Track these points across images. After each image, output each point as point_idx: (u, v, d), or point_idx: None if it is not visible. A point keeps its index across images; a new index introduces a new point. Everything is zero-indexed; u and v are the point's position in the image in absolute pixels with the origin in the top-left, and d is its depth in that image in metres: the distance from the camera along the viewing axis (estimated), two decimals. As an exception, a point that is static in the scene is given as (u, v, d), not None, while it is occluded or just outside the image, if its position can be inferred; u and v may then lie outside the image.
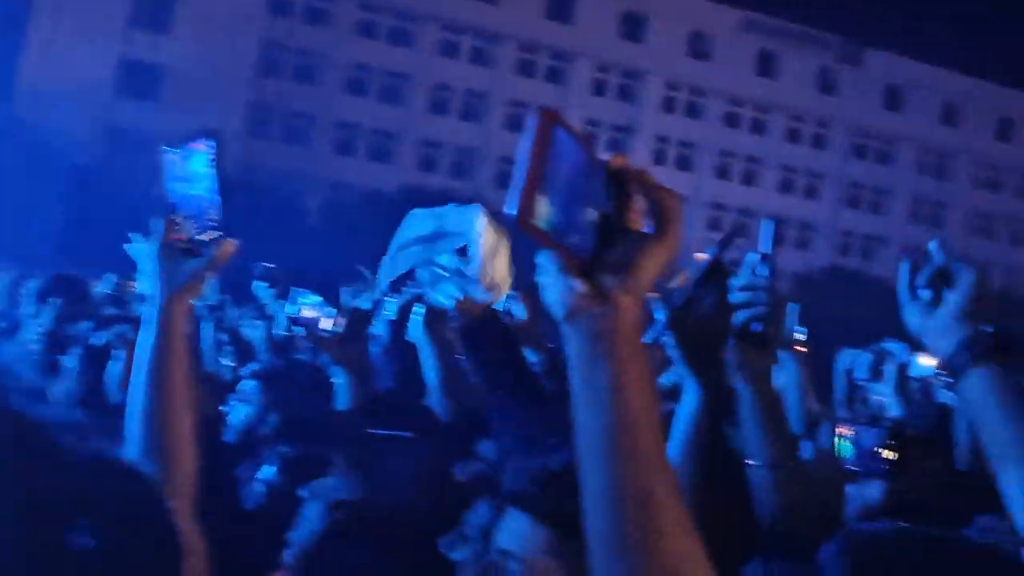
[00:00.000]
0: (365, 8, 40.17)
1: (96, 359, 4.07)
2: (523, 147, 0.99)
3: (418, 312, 4.17)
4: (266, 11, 38.08)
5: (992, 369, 1.51)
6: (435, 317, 4.07)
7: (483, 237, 2.33)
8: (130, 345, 2.40)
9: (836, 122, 46.24)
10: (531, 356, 3.22)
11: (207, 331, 5.59)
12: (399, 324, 4.67)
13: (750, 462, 2.11)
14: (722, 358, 2.02)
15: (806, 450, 3.35)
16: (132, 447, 1.90)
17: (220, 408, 3.68)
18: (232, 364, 5.32)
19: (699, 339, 1.97)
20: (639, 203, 1.07)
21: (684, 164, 44.73)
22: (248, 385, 3.65)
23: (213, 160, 1.86)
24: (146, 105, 34.78)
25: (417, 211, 2.46)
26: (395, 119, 40.73)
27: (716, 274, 1.97)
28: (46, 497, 1.25)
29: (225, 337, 5.54)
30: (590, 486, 1.05)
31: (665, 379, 3.50)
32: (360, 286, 4.81)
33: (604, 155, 1.07)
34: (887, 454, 3.03)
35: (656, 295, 1.93)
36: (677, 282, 2.01)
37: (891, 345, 4.70)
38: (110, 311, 6.17)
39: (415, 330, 4.10)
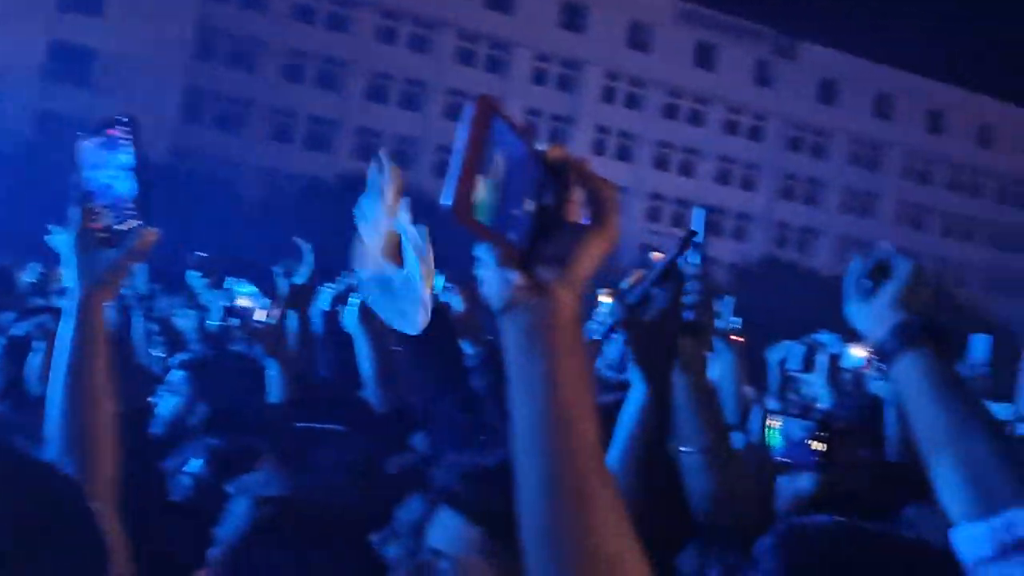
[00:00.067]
0: (303, -7, 39.75)
1: (17, 351, 3.96)
2: (460, 137, 0.97)
3: (353, 302, 4.13)
4: (201, -6, 37.46)
5: (924, 354, 1.52)
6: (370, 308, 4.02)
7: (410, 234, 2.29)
8: (51, 336, 2.32)
9: (772, 114, 46.85)
10: (468, 349, 3.20)
11: (137, 322, 5.48)
12: (333, 314, 4.62)
13: (683, 449, 2.13)
14: (672, 358, 2.04)
15: (738, 440, 3.38)
16: (52, 447, 1.83)
17: (149, 400, 3.60)
18: (163, 355, 5.22)
19: (650, 338, 2.00)
20: (577, 194, 1.06)
21: (624, 155, 44.98)
22: (176, 375, 3.57)
23: (130, 145, 1.79)
24: (77, 90, 33.96)
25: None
26: (333, 106, 40.35)
27: (672, 276, 1.98)
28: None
29: (155, 327, 5.43)
30: (524, 481, 1.04)
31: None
32: (295, 260, 4.72)
33: (543, 145, 1.05)
34: (816, 445, 3.07)
35: (611, 293, 1.96)
36: (631, 280, 2.02)
37: (823, 337, 4.78)
38: (36, 301, 6.02)
39: (350, 320, 4.06)
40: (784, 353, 4.96)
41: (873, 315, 1.60)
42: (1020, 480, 1.41)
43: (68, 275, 1.90)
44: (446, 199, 0.95)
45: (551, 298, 1.04)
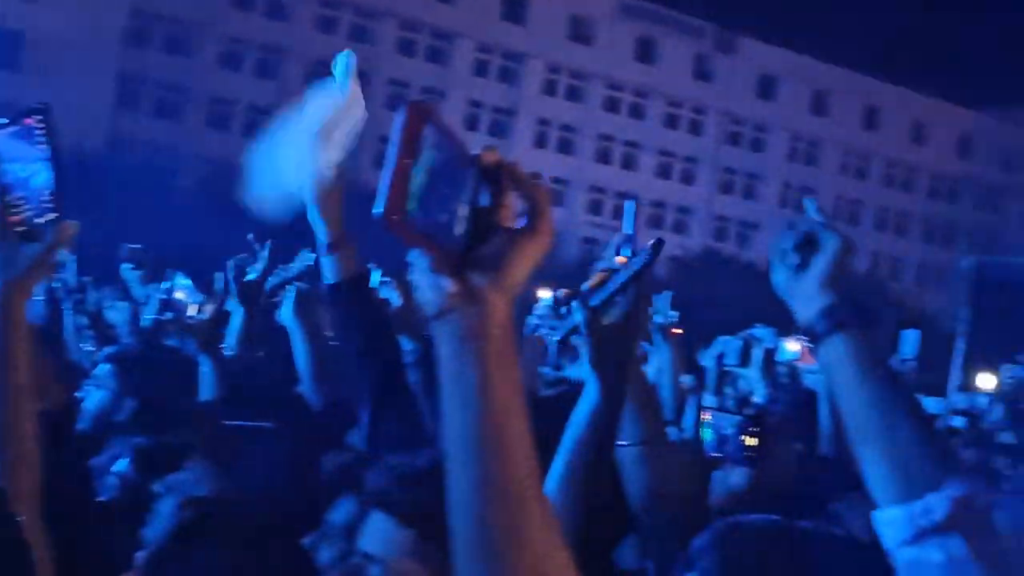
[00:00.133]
0: (241, -21, 39.16)
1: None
2: (391, 143, 0.96)
3: (288, 295, 4.07)
4: (136, -22, 36.67)
5: (853, 337, 1.53)
6: (305, 300, 3.97)
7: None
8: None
9: (711, 109, 47.31)
10: (406, 344, 3.16)
11: (67, 315, 5.35)
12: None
13: (620, 442, 2.14)
14: (628, 361, 2.06)
15: (673, 435, 3.40)
16: None
17: (76, 395, 3.49)
18: (92, 349, 5.09)
19: (608, 341, 2.01)
20: (511, 198, 1.05)
21: (565, 147, 45.10)
22: (103, 368, 3.46)
23: (44, 135, 1.73)
24: (6, 75, 33.06)
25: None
26: (271, 94, 39.77)
27: (637, 282, 2.00)
28: None
29: (85, 321, 5.29)
30: (455, 484, 1.05)
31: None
32: (248, 257, 4.63)
33: (477, 148, 1.05)
34: (748, 440, 3.09)
35: (571, 294, 1.97)
36: (593, 282, 2.03)
37: (759, 331, 4.82)
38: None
39: (286, 314, 4.00)
40: (721, 348, 5.00)
41: (801, 292, 1.59)
42: (940, 465, 1.43)
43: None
44: (378, 207, 0.95)
45: (484, 304, 1.04)
